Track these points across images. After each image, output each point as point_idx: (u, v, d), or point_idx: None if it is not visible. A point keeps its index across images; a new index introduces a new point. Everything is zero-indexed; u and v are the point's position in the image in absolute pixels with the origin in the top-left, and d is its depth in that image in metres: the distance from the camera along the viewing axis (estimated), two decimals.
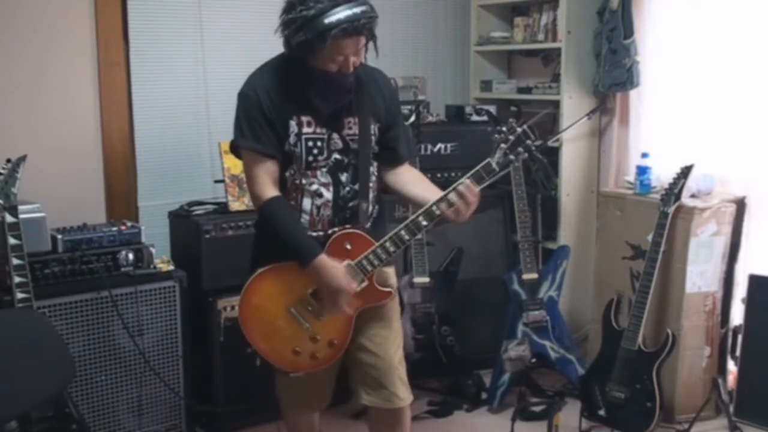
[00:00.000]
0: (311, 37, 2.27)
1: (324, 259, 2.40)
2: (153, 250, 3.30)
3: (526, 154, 2.45)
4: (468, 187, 2.40)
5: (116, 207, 3.72)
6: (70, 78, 3.58)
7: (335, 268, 2.40)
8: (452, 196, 2.40)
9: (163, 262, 3.32)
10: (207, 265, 3.39)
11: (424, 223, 2.43)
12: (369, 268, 2.44)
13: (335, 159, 2.47)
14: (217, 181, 3.66)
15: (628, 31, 3.81)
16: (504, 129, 2.47)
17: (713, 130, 3.65)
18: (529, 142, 2.45)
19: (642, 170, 3.68)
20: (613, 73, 3.88)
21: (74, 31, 3.57)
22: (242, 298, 2.47)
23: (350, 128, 2.49)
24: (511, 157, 2.45)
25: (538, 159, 2.56)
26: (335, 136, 2.47)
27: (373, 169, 2.55)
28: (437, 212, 2.41)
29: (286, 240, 2.42)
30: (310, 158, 2.44)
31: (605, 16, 3.91)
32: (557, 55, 4.17)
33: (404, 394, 2.57)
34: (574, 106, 4.08)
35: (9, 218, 2.74)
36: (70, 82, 3.58)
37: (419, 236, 2.51)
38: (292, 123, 2.42)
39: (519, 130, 2.45)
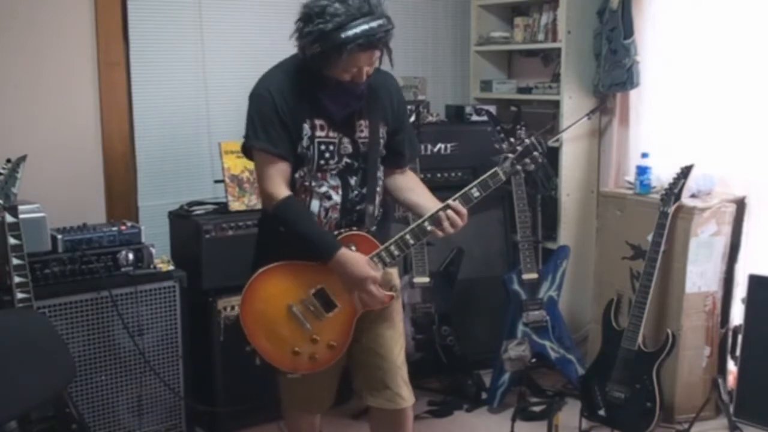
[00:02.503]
0: (327, 50, 2.27)
1: (346, 252, 2.41)
2: (153, 250, 3.29)
3: (533, 166, 2.50)
4: (455, 207, 2.43)
5: (116, 207, 3.72)
6: (70, 78, 3.58)
7: (358, 258, 2.41)
8: (455, 205, 2.43)
9: (163, 262, 3.32)
10: (207, 265, 3.39)
11: (429, 228, 2.44)
12: None
13: (345, 163, 2.48)
14: (217, 181, 3.66)
15: (628, 31, 3.81)
16: (512, 140, 2.52)
17: (713, 130, 3.65)
18: (536, 153, 2.50)
19: (642, 170, 3.68)
20: (613, 73, 3.89)
21: (74, 31, 3.57)
22: (244, 295, 2.47)
23: (362, 131, 2.49)
24: (518, 167, 2.52)
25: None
26: (346, 140, 2.47)
27: (380, 173, 2.56)
28: (441, 215, 2.43)
29: (305, 237, 2.42)
30: (322, 162, 2.45)
31: (605, 16, 3.91)
32: (557, 55, 4.17)
33: (407, 395, 2.58)
34: (574, 106, 4.08)
35: (9, 218, 2.74)
36: (70, 82, 3.58)
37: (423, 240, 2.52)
38: (306, 126, 2.42)
39: (527, 141, 2.51)
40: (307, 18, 2.30)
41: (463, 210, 2.44)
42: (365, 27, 2.25)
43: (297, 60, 2.43)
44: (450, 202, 2.44)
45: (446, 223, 2.43)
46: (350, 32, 2.24)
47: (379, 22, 2.27)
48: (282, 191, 2.41)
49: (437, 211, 2.44)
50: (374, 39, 2.27)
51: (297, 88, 2.42)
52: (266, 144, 2.41)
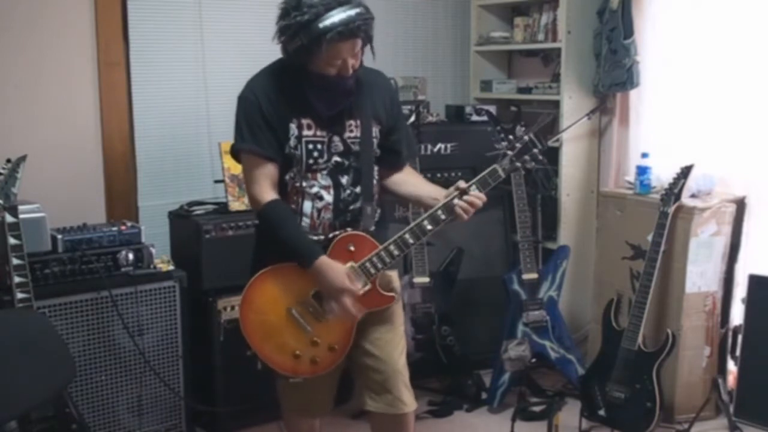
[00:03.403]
0: (307, 42, 2.27)
1: (326, 260, 2.39)
2: (153, 250, 3.29)
3: (532, 163, 2.49)
4: (477, 196, 2.41)
5: (116, 207, 3.72)
6: (70, 78, 3.58)
7: (338, 268, 2.39)
8: (457, 201, 2.41)
9: (163, 262, 3.32)
10: (207, 265, 3.39)
11: (429, 227, 2.43)
12: (372, 271, 2.43)
13: (335, 162, 2.47)
14: (217, 181, 3.66)
15: (628, 31, 3.81)
16: (511, 137, 2.51)
17: (713, 130, 3.65)
18: (535, 150, 2.50)
19: (642, 170, 3.68)
20: (613, 73, 3.89)
21: (74, 31, 3.57)
22: (243, 299, 2.46)
23: (351, 131, 2.48)
24: (518, 164, 2.50)
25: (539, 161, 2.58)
26: (336, 138, 2.46)
27: (375, 172, 2.54)
28: (443, 217, 2.42)
29: (287, 242, 2.41)
30: (311, 161, 2.44)
31: (605, 16, 3.92)
32: (557, 55, 4.18)
33: (409, 400, 2.55)
34: (574, 106, 4.08)
35: (9, 218, 2.74)
36: (70, 82, 3.58)
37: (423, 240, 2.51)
38: (292, 126, 2.42)
39: (526, 138, 2.49)
40: (284, 13, 2.31)
41: (482, 196, 2.42)
42: (343, 15, 2.24)
43: (283, 61, 2.43)
44: (456, 201, 2.41)
45: (459, 209, 2.41)
46: (328, 22, 2.24)
47: (357, 10, 2.27)
48: (268, 194, 2.41)
49: (436, 209, 2.43)
50: (353, 27, 2.26)
51: (283, 88, 2.42)
52: (253, 146, 2.41)
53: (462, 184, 2.43)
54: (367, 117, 2.49)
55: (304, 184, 2.46)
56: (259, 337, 2.46)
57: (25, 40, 3.45)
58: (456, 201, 2.41)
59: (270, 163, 2.42)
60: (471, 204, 2.41)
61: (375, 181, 2.54)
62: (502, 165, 2.48)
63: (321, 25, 2.24)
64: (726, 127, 3.61)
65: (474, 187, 2.44)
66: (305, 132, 2.43)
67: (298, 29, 2.27)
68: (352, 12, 2.26)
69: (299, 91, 2.40)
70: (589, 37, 4.05)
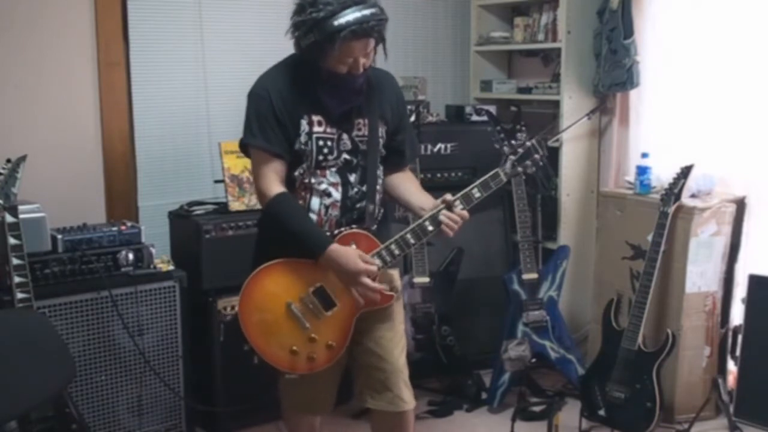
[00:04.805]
0: (320, 40, 2.29)
1: (337, 247, 2.40)
2: (153, 250, 3.29)
3: (534, 168, 2.52)
4: (460, 214, 2.44)
5: (116, 207, 3.72)
6: (70, 78, 3.58)
7: (349, 252, 2.40)
8: (442, 217, 2.44)
9: (163, 262, 3.32)
10: (207, 265, 3.39)
11: (430, 228, 2.45)
12: None
13: (344, 159, 2.49)
14: (217, 181, 3.66)
15: (628, 31, 3.81)
16: (513, 141, 2.53)
17: (713, 130, 3.65)
18: (537, 156, 2.53)
19: (642, 170, 3.68)
20: (613, 73, 3.89)
21: (74, 31, 3.57)
22: (243, 293, 2.46)
23: (360, 129, 2.50)
24: (519, 169, 2.55)
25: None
26: (345, 136, 2.48)
27: (380, 171, 2.56)
28: (430, 228, 2.45)
29: (297, 233, 2.42)
30: (320, 157, 2.45)
31: (605, 16, 3.92)
32: (557, 55, 4.18)
33: (409, 398, 2.57)
34: (574, 106, 4.08)
35: (9, 218, 2.74)
36: (70, 82, 3.58)
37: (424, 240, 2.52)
38: (303, 122, 2.43)
39: (528, 143, 2.53)
40: (300, 9, 2.33)
41: (465, 214, 2.46)
42: (357, 15, 2.27)
43: (295, 57, 2.45)
44: (447, 212, 2.44)
45: (445, 226, 2.44)
46: (342, 20, 2.26)
47: (372, 10, 2.29)
48: (276, 188, 2.42)
49: (438, 212, 2.45)
50: (367, 27, 2.28)
51: (295, 85, 2.43)
52: (262, 142, 2.42)
53: (448, 197, 2.47)
54: (375, 116, 2.51)
55: (313, 180, 2.47)
56: (257, 332, 2.46)
57: (25, 40, 3.45)
58: (441, 217, 2.43)
59: (278, 160, 2.44)
60: (454, 221, 2.43)
61: (379, 181, 2.56)
62: (504, 169, 2.52)
63: (335, 23, 2.26)
64: (726, 127, 3.60)
65: (460, 201, 2.46)
66: (316, 128, 2.44)
67: (312, 26, 2.29)
68: (367, 12, 2.28)
69: (311, 88, 2.42)
70: (589, 37, 4.05)
